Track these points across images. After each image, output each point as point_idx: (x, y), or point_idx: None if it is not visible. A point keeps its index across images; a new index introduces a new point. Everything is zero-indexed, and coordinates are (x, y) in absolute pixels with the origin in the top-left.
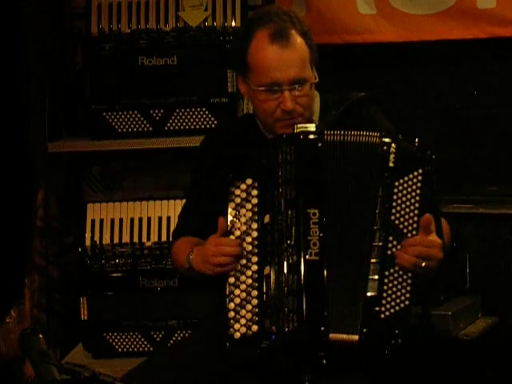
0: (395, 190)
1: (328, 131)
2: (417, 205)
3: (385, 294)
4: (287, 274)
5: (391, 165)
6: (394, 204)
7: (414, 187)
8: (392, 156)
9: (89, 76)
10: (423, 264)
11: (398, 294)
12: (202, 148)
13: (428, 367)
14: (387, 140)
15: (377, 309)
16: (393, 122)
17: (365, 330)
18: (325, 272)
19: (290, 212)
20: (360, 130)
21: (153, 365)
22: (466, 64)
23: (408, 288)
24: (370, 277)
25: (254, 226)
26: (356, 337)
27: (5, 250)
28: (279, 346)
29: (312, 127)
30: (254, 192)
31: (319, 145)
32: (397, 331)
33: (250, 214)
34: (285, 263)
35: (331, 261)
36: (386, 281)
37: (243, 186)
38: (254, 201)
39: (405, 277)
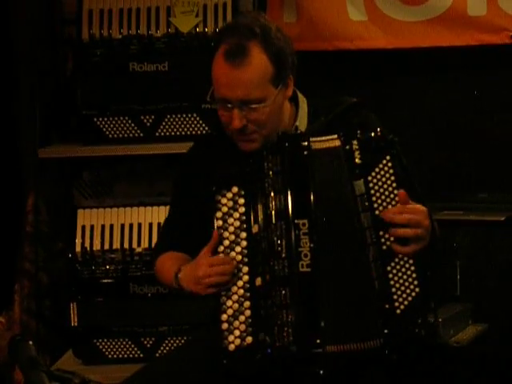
0: (370, 185)
1: (312, 138)
2: (395, 191)
3: (393, 290)
4: (279, 287)
5: (358, 161)
6: (374, 198)
7: (388, 175)
8: (357, 153)
9: (79, 82)
10: (414, 232)
11: (406, 284)
12: (185, 160)
13: (418, 374)
14: (347, 138)
15: (389, 306)
16: (384, 126)
17: (386, 331)
18: (318, 283)
19: (279, 223)
20: (321, 136)
21: (149, 373)
22: (457, 71)
23: (414, 275)
24: (374, 277)
25: (243, 235)
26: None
27: None
28: (274, 359)
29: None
30: (241, 200)
31: (305, 153)
32: (419, 320)
33: (237, 224)
34: (276, 276)
35: (325, 270)
36: (390, 276)
37: (229, 195)
38: (242, 209)
39: (407, 265)
